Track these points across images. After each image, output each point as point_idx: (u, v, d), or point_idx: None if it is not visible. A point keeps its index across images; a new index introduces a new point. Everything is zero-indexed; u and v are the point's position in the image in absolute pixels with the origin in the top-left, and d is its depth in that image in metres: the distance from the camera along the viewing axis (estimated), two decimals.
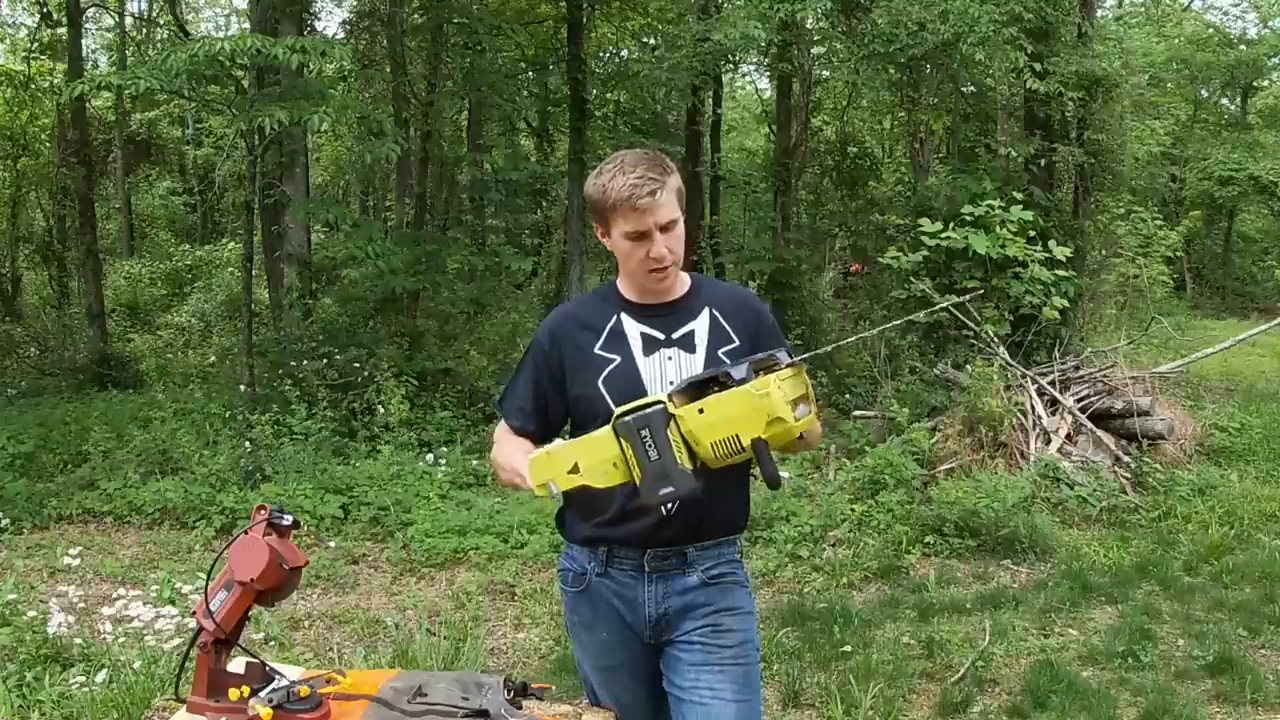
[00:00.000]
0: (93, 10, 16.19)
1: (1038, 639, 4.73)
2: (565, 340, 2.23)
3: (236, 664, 2.11)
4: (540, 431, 2.27)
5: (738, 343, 2.22)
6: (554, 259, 15.25)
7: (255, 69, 9.01)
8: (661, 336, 2.20)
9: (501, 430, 2.30)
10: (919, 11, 9.02)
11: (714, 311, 2.24)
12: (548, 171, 14.08)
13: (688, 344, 2.20)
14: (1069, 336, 9.38)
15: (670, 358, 2.19)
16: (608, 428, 1.93)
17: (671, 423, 1.89)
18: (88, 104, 13.82)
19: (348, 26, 13.05)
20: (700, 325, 2.22)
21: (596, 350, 2.20)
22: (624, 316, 2.23)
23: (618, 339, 2.21)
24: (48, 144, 15.46)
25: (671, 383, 2.17)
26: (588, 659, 2.34)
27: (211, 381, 10.20)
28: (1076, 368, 8.05)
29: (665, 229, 2.12)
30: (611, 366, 2.18)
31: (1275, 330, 10.08)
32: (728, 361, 2.19)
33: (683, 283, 2.27)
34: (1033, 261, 8.32)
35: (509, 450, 2.18)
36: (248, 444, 7.02)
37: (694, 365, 2.18)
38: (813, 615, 4.94)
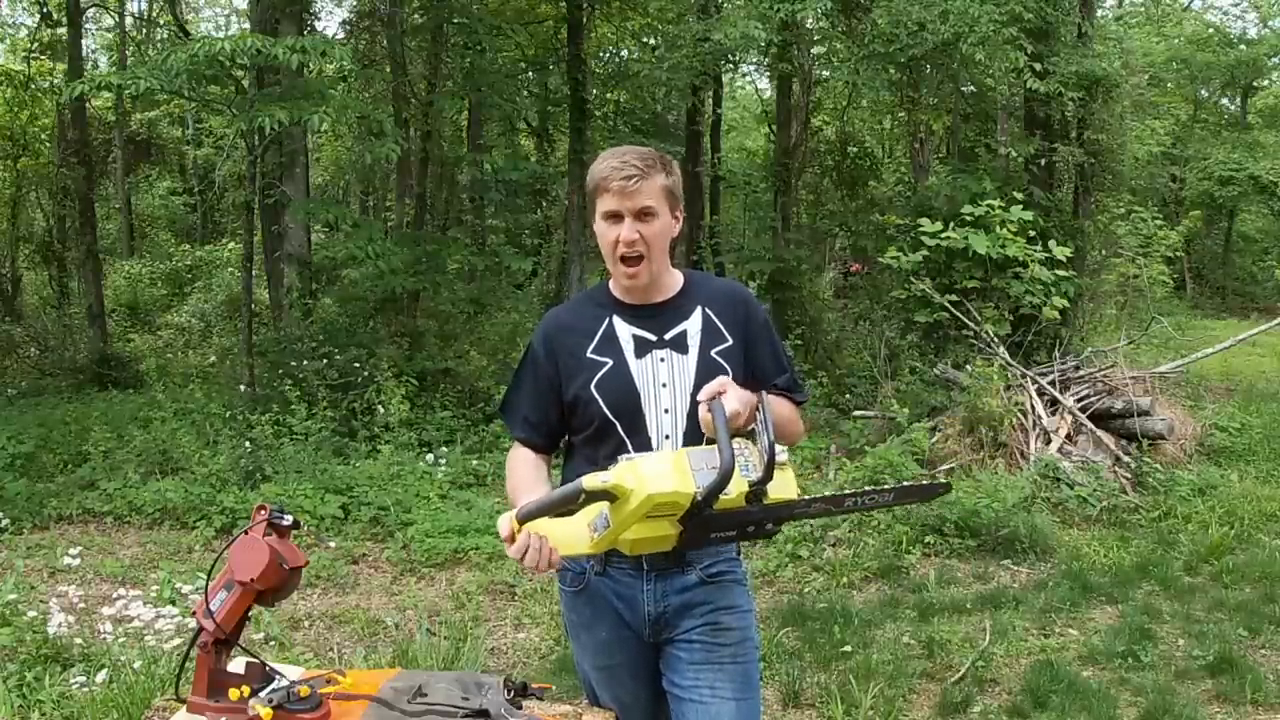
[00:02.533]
0: (93, 10, 16.20)
1: (1038, 639, 4.73)
2: (559, 346, 2.23)
3: (236, 664, 2.11)
4: (547, 441, 2.29)
5: (731, 341, 2.22)
6: (554, 259, 15.25)
7: (255, 69, 9.01)
8: (653, 338, 2.20)
9: (511, 456, 2.30)
10: (919, 11, 9.02)
11: (707, 310, 2.23)
12: (548, 171, 14.08)
13: (680, 345, 2.20)
14: (1069, 336, 9.39)
15: (663, 359, 2.19)
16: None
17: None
18: (88, 104, 13.82)
19: (348, 26, 13.05)
20: (693, 325, 2.22)
21: (589, 354, 2.20)
22: (615, 319, 2.22)
23: (609, 342, 2.20)
24: (48, 144, 15.46)
25: (664, 384, 2.17)
26: (587, 659, 2.34)
27: (211, 381, 10.19)
28: (1076, 368, 8.06)
29: (639, 215, 2.13)
30: (604, 370, 2.18)
31: (1275, 330, 10.09)
32: (721, 361, 2.19)
33: (675, 281, 2.26)
34: (1033, 261, 8.32)
35: (516, 485, 2.22)
36: (248, 444, 7.02)
37: (687, 366, 2.18)
38: (813, 615, 4.94)
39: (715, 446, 1.87)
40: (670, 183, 2.17)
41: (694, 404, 2.13)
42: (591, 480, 1.89)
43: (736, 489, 1.86)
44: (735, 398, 1.98)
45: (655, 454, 2.00)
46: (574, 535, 2.00)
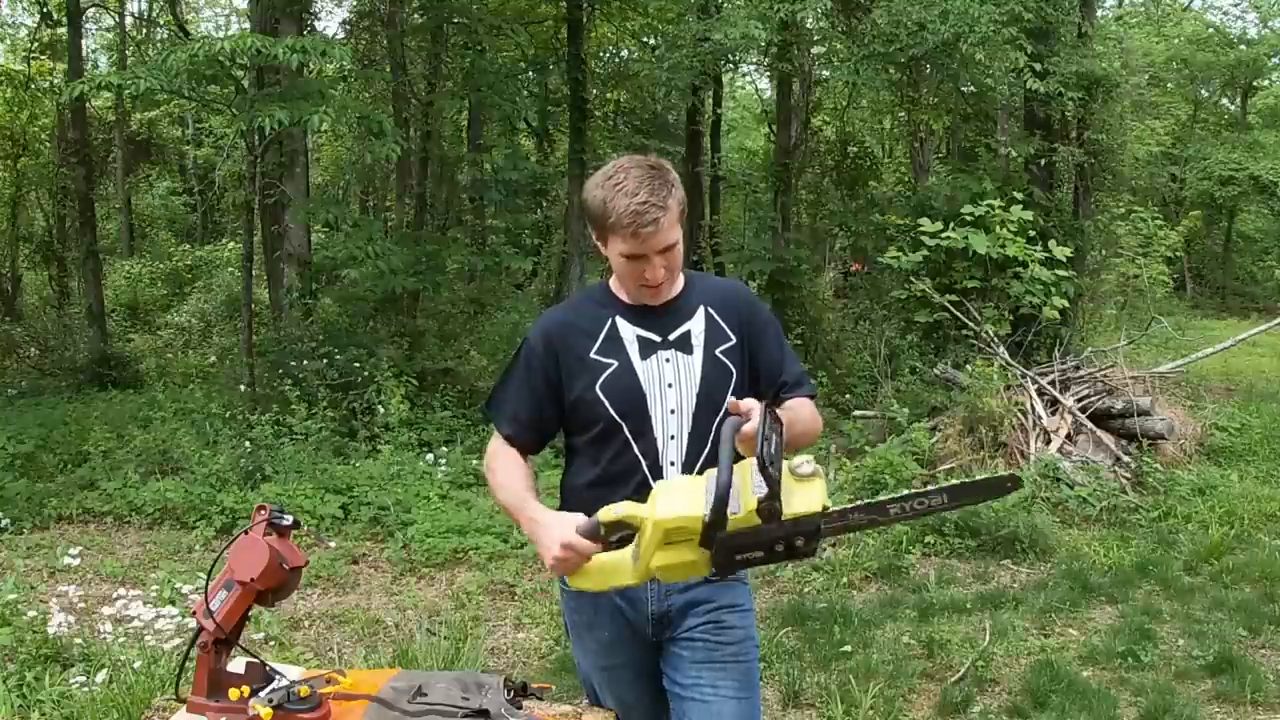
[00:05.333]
0: (93, 10, 16.20)
1: (1038, 639, 4.73)
2: (560, 345, 2.20)
3: (236, 664, 2.11)
4: (533, 440, 2.26)
5: (734, 340, 2.22)
6: (554, 259, 15.25)
7: (255, 69, 9.03)
8: (658, 339, 2.19)
9: (497, 451, 2.25)
10: (919, 11, 9.01)
11: (709, 310, 2.23)
12: (548, 171, 14.07)
13: (685, 345, 2.19)
14: (1069, 336, 9.38)
15: (668, 360, 2.18)
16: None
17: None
18: (88, 104, 13.81)
19: (348, 26, 13.06)
20: (696, 325, 2.21)
21: (593, 355, 2.18)
22: (619, 320, 2.21)
23: (614, 343, 2.19)
24: (48, 144, 15.47)
25: (670, 385, 2.16)
26: (589, 659, 2.34)
27: (211, 381, 10.20)
28: (1076, 368, 8.05)
29: (663, 251, 2.09)
30: (609, 371, 2.16)
31: (1275, 330, 10.09)
32: (726, 361, 2.19)
33: (677, 283, 2.25)
34: (1033, 261, 8.32)
35: (513, 487, 2.17)
36: (248, 444, 7.02)
37: (692, 366, 2.18)
38: (813, 615, 4.94)
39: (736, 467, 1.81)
40: (680, 200, 2.10)
41: (699, 403, 2.15)
42: (606, 513, 1.88)
43: (745, 507, 1.76)
44: (759, 417, 1.88)
45: (677, 479, 2.00)
46: (619, 564, 1.96)
